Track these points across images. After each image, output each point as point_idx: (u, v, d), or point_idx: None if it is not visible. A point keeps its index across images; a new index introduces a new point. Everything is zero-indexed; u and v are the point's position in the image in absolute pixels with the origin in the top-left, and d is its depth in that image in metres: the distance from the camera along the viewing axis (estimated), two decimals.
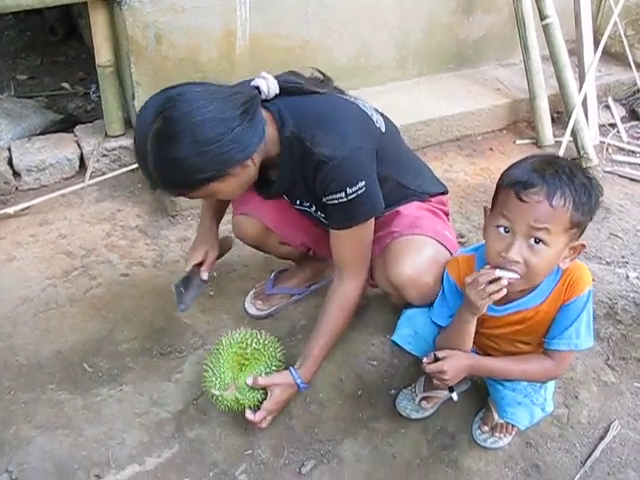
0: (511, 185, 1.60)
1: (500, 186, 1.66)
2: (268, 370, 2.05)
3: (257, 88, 1.87)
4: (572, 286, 1.74)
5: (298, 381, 2.05)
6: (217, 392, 1.99)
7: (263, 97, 1.87)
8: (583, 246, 1.67)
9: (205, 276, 2.27)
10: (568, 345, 1.77)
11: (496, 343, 1.92)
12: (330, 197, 1.90)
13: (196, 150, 1.69)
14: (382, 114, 2.11)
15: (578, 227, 1.62)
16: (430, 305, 2.04)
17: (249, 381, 2.00)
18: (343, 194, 1.87)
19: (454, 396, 1.91)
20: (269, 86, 1.88)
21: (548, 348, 1.81)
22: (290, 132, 1.88)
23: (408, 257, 2.00)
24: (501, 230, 1.63)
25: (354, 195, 1.87)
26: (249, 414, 2.01)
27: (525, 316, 1.80)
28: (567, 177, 1.57)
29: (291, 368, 2.07)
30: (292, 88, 1.93)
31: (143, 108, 1.75)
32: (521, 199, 1.57)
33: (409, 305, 2.09)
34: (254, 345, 2.06)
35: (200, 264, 2.27)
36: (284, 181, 2.00)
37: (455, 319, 1.82)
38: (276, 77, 1.92)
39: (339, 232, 2.00)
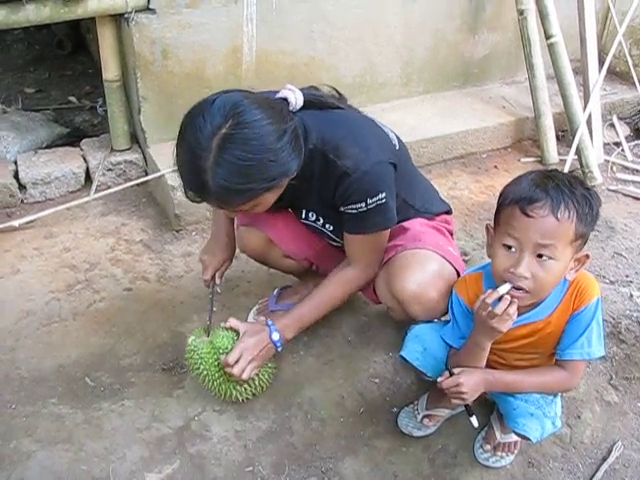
0: (515, 202, 1.62)
1: (503, 204, 1.68)
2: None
3: (285, 100, 1.89)
4: (581, 295, 1.75)
5: (269, 322, 2.06)
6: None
7: (290, 108, 1.89)
8: (587, 257, 1.69)
9: (218, 281, 2.33)
10: (581, 355, 1.78)
11: (503, 357, 1.91)
12: (350, 207, 1.93)
13: (267, 158, 1.69)
14: (394, 132, 2.13)
15: (582, 238, 1.64)
16: (434, 320, 2.04)
17: (222, 324, 2.06)
18: (363, 204, 1.90)
19: (474, 421, 1.88)
20: (296, 99, 1.90)
21: (561, 359, 1.81)
22: (313, 145, 1.90)
23: (412, 272, 2.01)
24: (508, 249, 1.64)
25: (373, 205, 1.90)
26: (223, 357, 2.01)
27: (535, 328, 1.80)
28: (568, 189, 1.60)
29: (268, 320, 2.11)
30: (316, 102, 1.96)
31: (202, 111, 1.69)
32: (527, 214, 1.59)
33: (412, 321, 2.08)
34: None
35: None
36: (296, 192, 1.99)
37: (469, 345, 1.82)
38: (300, 90, 1.94)
39: (353, 236, 2.02)
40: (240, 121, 1.67)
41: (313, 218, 2.11)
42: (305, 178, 1.94)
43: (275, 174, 1.74)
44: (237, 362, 1.99)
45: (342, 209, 1.95)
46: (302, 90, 1.95)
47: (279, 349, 2.09)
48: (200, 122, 1.68)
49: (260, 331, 2.06)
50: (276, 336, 2.06)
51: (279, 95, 1.90)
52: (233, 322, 2.07)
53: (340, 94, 2.12)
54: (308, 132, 1.90)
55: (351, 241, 2.05)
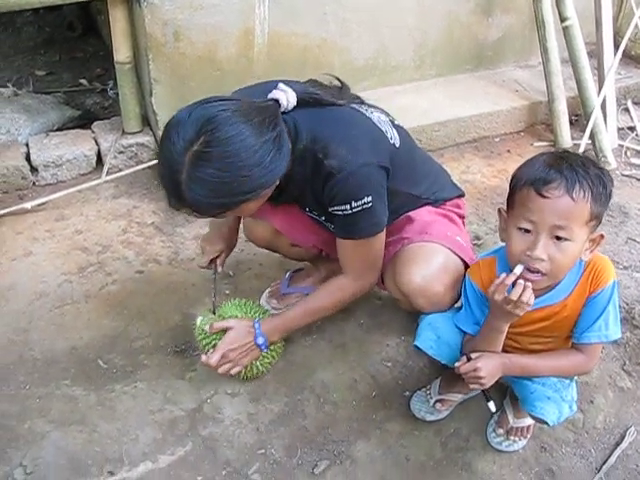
0: (530, 183, 1.62)
1: (516, 186, 1.67)
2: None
3: (277, 101, 1.85)
4: (597, 278, 1.75)
5: (256, 325, 2.06)
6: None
7: (281, 110, 1.86)
8: (602, 237, 1.69)
9: (220, 269, 2.33)
10: (598, 337, 1.77)
11: (518, 341, 1.91)
12: (335, 208, 1.91)
13: (240, 174, 1.67)
14: (397, 126, 2.10)
15: (597, 218, 1.64)
16: (444, 311, 2.03)
17: (205, 328, 2.07)
18: (348, 206, 1.88)
19: (491, 406, 1.88)
20: (288, 99, 1.86)
21: (578, 342, 1.81)
22: (303, 145, 1.87)
23: (417, 266, 2.01)
24: (523, 232, 1.64)
25: (359, 209, 1.88)
26: (204, 356, 2.05)
27: (552, 311, 1.79)
28: (582, 169, 1.60)
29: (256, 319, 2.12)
30: (310, 100, 1.92)
31: (177, 126, 1.69)
32: (542, 195, 1.59)
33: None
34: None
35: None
36: (293, 191, 1.99)
37: (485, 329, 1.81)
38: (295, 88, 1.90)
39: (344, 241, 2.01)
40: (212, 138, 1.65)
41: (316, 214, 2.11)
42: (298, 180, 1.93)
43: (250, 188, 1.72)
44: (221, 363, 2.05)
45: (329, 210, 1.94)
46: (297, 87, 1.91)
47: (264, 351, 2.11)
48: (174, 136, 1.68)
49: (246, 333, 2.07)
50: (261, 340, 2.07)
51: (271, 96, 1.87)
52: (217, 325, 2.07)
53: (343, 83, 2.09)
54: (299, 132, 1.87)
55: (342, 247, 2.03)
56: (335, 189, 1.87)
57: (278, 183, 1.84)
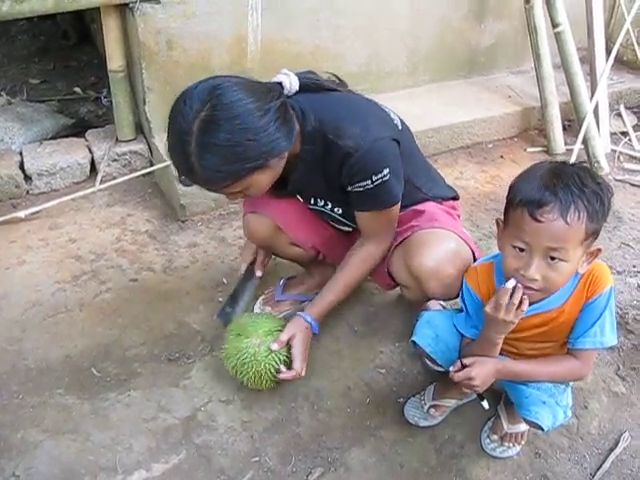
0: (524, 204, 1.59)
1: (512, 202, 1.64)
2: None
3: (280, 84, 1.90)
4: (594, 284, 1.74)
5: (308, 319, 2.12)
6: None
7: (285, 93, 1.90)
8: (599, 250, 1.67)
9: (259, 273, 2.37)
10: (593, 343, 1.77)
11: (515, 347, 1.90)
12: (356, 185, 1.94)
13: (246, 138, 1.71)
14: (398, 116, 2.13)
15: (593, 235, 1.62)
16: (453, 298, 2.05)
17: (274, 347, 2.06)
18: (369, 181, 1.92)
19: (485, 404, 1.89)
20: (291, 82, 1.92)
21: (573, 347, 1.80)
22: (312, 127, 1.91)
23: (429, 249, 2.01)
24: (518, 250, 1.63)
25: (379, 182, 1.92)
26: (286, 373, 2.07)
27: (549, 317, 1.79)
28: (578, 189, 1.56)
29: (297, 312, 2.16)
30: (312, 85, 1.98)
31: (185, 96, 1.74)
32: (535, 219, 1.56)
33: (425, 302, 2.08)
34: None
35: (252, 262, 2.38)
36: (302, 177, 2.02)
37: (481, 341, 1.81)
38: (296, 74, 1.96)
39: (363, 213, 2.05)
40: (218, 103, 1.70)
41: (321, 204, 2.13)
42: (309, 161, 1.96)
43: (257, 154, 1.75)
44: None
45: (349, 189, 1.97)
46: (298, 74, 1.97)
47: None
48: (182, 107, 1.73)
49: (304, 329, 2.12)
50: (316, 328, 2.14)
51: (274, 79, 1.92)
52: (284, 338, 2.08)
53: (340, 80, 2.13)
54: (305, 114, 1.92)
55: (362, 218, 2.07)
56: (355, 167, 1.90)
57: (287, 165, 1.89)
